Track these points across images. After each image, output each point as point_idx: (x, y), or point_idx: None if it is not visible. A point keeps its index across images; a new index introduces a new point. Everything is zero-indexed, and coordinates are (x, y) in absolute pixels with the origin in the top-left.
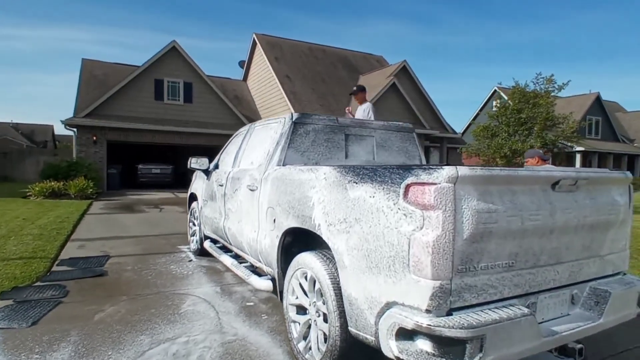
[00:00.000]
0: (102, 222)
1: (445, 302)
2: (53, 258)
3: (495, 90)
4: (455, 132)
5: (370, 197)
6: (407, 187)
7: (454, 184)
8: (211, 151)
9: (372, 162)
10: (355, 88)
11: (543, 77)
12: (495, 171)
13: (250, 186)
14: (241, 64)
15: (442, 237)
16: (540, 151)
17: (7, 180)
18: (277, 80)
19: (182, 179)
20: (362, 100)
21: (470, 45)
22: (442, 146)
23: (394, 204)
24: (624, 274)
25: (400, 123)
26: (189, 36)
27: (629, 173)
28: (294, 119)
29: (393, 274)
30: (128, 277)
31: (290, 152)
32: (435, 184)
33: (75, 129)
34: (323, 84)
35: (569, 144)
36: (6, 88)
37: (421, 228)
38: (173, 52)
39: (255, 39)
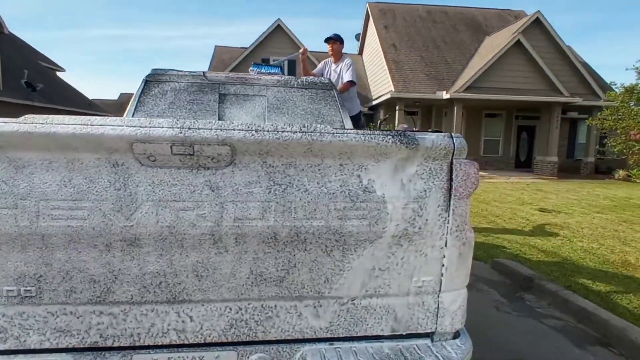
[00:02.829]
0: None
1: None
2: None
3: None
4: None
5: None
6: None
7: None
8: None
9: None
10: (331, 36)
11: None
12: None
13: None
14: (357, 37)
15: None
16: None
17: None
18: (381, 50)
19: None
20: (338, 56)
21: None
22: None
23: None
24: (437, 338)
25: (312, 78)
26: (297, 16)
27: (456, 138)
28: (146, 77)
29: None
30: None
31: (138, 117)
32: None
33: None
34: (435, 50)
35: None
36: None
37: None
38: (278, 31)
39: (368, 8)
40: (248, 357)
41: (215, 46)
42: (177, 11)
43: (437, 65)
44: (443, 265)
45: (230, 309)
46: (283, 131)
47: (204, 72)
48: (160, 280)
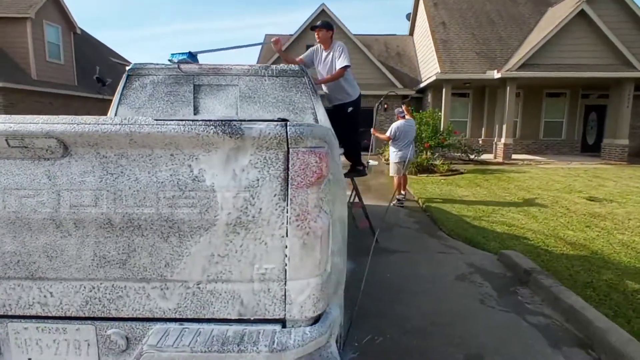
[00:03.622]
0: None
1: None
2: None
3: None
4: None
5: None
6: None
7: None
8: None
9: (232, 118)
10: (317, 24)
11: None
12: None
13: None
14: (408, 17)
15: None
16: None
17: None
18: (429, 29)
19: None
20: (327, 43)
21: None
22: None
23: None
24: (289, 325)
25: (283, 65)
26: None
27: (290, 127)
28: (127, 71)
29: None
30: None
31: (122, 110)
32: None
33: None
34: (489, 27)
35: None
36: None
37: None
38: (322, 16)
39: None
40: (105, 332)
41: (265, 35)
42: (239, 3)
43: (490, 42)
44: (286, 255)
45: (85, 287)
46: (103, 124)
47: (178, 65)
48: (18, 259)
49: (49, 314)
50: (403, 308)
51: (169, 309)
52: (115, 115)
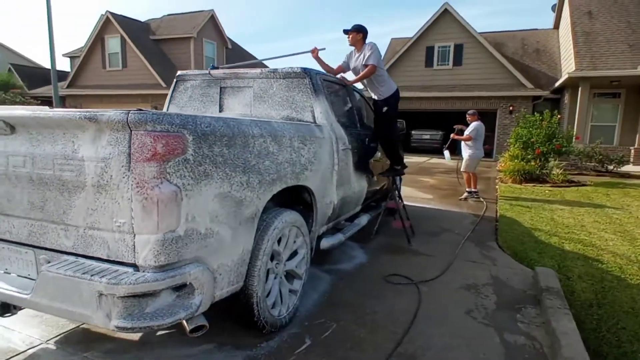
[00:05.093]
0: None
1: None
2: None
3: None
4: None
5: None
6: None
7: None
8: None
9: (246, 115)
10: (349, 28)
11: None
12: None
13: None
14: (553, 8)
15: None
16: None
17: None
18: (569, 20)
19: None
20: (359, 45)
21: None
22: None
23: None
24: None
25: (287, 68)
26: None
27: (131, 114)
28: (176, 77)
29: None
30: None
31: (171, 108)
32: None
33: None
34: None
35: None
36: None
37: None
38: (445, 16)
39: None
40: (39, 257)
41: (391, 39)
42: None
43: None
44: (132, 214)
45: (27, 224)
46: (27, 112)
47: (209, 71)
48: None
49: (14, 240)
50: (375, 303)
51: (69, 246)
52: None
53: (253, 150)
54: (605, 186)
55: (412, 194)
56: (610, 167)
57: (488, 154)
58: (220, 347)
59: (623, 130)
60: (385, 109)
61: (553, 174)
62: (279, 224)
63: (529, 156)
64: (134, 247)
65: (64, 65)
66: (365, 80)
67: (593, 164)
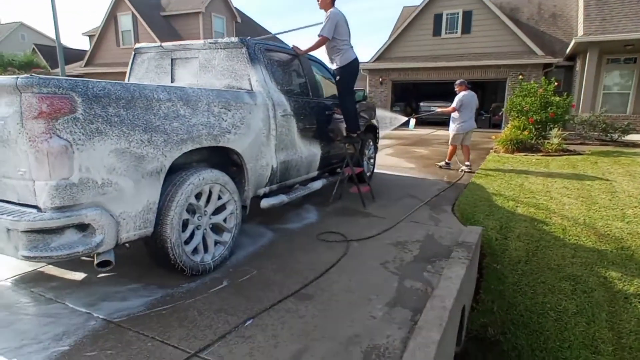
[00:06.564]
0: None
1: None
2: None
3: None
4: None
5: None
6: None
7: None
8: (483, 87)
9: (193, 85)
10: None
11: None
12: None
13: None
14: None
15: None
16: None
17: None
18: None
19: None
20: (327, 10)
21: None
22: None
23: None
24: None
25: (226, 39)
26: None
27: (19, 79)
28: (134, 50)
29: None
30: None
31: (131, 80)
32: None
33: (367, 73)
34: None
35: None
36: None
37: None
38: None
39: None
40: None
41: (403, 7)
42: None
43: None
44: (30, 164)
45: None
46: None
47: (161, 43)
48: None
49: None
50: (302, 255)
51: None
52: None
53: (158, 113)
54: (599, 155)
55: (397, 164)
56: (615, 136)
57: (497, 124)
58: (146, 286)
59: (638, 97)
60: (337, 78)
61: (548, 143)
62: (195, 179)
63: (522, 125)
64: (35, 192)
65: (84, 44)
66: (325, 49)
67: (597, 133)
